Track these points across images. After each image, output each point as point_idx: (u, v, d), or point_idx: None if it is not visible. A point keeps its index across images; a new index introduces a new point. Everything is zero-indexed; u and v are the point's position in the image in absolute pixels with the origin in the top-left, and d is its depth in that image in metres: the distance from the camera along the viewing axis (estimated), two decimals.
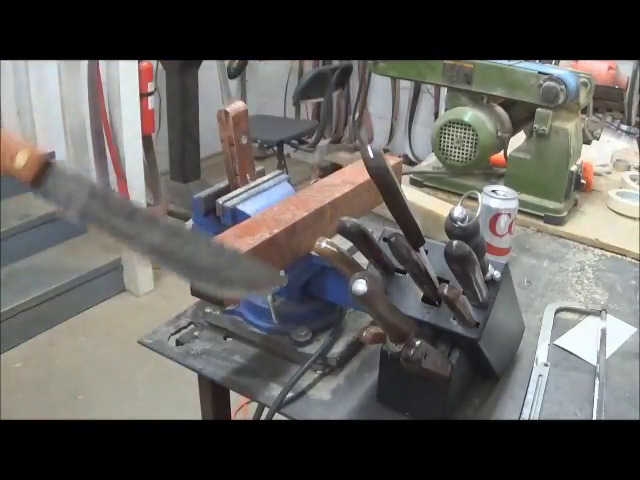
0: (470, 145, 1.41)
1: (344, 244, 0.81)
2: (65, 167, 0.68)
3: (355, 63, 3.82)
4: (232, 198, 0.94)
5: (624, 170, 1.65)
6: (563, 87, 1.28)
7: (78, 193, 0.68)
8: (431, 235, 0.80)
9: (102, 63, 2.46)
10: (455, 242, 0.68)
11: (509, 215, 1.12)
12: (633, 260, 1.25)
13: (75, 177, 0.68)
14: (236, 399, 1.02)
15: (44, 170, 0.67)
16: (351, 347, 0.95)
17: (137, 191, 2.67)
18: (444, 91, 1.83)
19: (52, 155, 2.90)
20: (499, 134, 1.43)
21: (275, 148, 3.33)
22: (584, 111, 1.43)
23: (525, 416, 0.84)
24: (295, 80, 3.96)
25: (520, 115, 1.47)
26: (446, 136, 1.43)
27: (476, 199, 0.76)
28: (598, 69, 1.74)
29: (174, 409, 2.10)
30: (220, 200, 0.94)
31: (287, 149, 3.63)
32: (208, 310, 1.01)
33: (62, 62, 2.60)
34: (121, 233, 0.69)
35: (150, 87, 2.62)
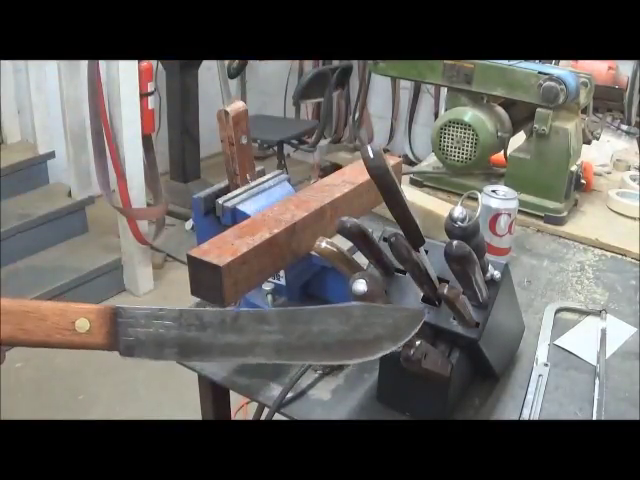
0: (470, 145, 1.41)
1: (344, 244, 0.81)
2: (132, 308, 0.56)
3: (355, 63, 3.81)
4: (232, 198, 0.94)
5: (624, 170, 1.65)
6: (563, 87, 1.28)
7: (165, 329, 0.55)
8: (431, 235, 0.80)
9: (102, 63, 2.46)
10: (455, 242, 0.68)
11: (509, 215, 1.12)
12: (633, 260, 1.25)
13: (152, 313, 0.56)
14: (236, 399, 1.02)
15: (115, 324, 0.55)
16: None
17: (137, 191, 2.68)
18: (444, 91, 1.84)
19: (52, 155, 2.91)
20: (499, 134, 1.43)
21: (275, 148, 3.33)
22: (584, 111, 1.43)
23: (525, 416, 0.84)
24: (295, 80, 3.95)
25: (520, 115, 1.47)
26: (446, 136, 1.43)
27: (476, 199, 0.76)
28: (598, 69, 1.74)
29: (174, 409, 2.11)
30: (220, 200, 0.94)
31: (287, 149, 3.63)
32: None
33: (62, 62, 2.61)
34: (236, 349, 0.57)
35: (150, 87, 2.61)
